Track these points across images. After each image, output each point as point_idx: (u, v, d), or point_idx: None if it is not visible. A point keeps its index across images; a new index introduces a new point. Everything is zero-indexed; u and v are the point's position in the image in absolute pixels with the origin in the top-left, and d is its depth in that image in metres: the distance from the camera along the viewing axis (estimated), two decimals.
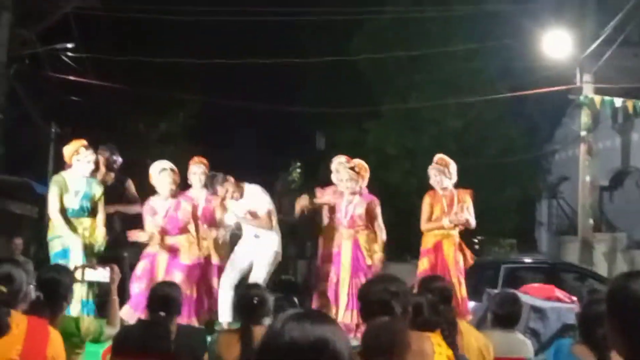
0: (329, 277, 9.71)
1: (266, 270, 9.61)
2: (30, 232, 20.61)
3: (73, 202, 8.95)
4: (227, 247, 10.03)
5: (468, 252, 9.97)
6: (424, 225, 9.99)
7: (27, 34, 21.99)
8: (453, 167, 10.01)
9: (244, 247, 9.72)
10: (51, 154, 24.70)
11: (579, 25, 21.07)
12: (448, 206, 9.81)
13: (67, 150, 9.14)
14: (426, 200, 10.02)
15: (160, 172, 9.42)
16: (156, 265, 9.24)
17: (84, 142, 9.17)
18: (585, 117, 20.83)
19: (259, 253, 9.62)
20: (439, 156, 10.11)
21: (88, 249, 8.87)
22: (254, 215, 9.61)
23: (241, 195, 9.59)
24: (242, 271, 9.64)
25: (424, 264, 9.81)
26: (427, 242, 9.91)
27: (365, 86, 27.80)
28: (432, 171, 9.98)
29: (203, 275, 9.56)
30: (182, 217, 9.36)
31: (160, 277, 9.00)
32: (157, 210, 9.37)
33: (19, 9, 21.95)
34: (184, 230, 9.37)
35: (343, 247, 9.69)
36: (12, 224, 20.35)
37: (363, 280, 9.19)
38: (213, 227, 9.82)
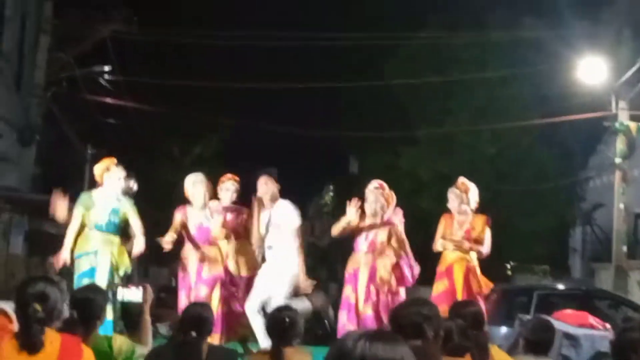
0: (348, 301, 9.58)
1: (285, 289, 9.32)
2: None
3: (102, 218, 9.00)
4: (254, 260, 10.03)
5: (483, 279, 9.87)
6: (434, 246, 10.02)
7: (65, 57, 22.27)
8: (473, 192, 9.95)
9: (265, 264, 9.70)
10: (87, 175, 24.89)
11: (614, 52, 20.99)
12: (457, 231, 9.80)
13: (98, 168, 9.23)
14: (441, 222, 10.00)
15: (194, 184, 9.50)
16: (192, 287, 9.32)
17: (114, 159, 9.27)
18: (620, 144, 20.70)
19: (274, 268, 9.43)
20: (460, 180, 10.07)
21: (115, 268, 8.92)
22: (274, 226, 9.62)
23: (273, 203, 9.56)
24: (265, 291, 9.56)
25: (437, 288, 9.78)
26: (441, 265, 9.89)
27: (400, 111, 27.85)
28: (451, 195, 9.95)
29: (233, 289, 9.60)
30: (213, 229, 9.42)
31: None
32: (190, 219, 9.43)
33: (57, 33, 22.26)
34: (213, 242, 9.43)
35: (360, 272, 9.44)
36: (47, 243, 20.50)
37: (377, 306, 9.19)
38: (238, 240, 9.87)
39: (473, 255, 9.81)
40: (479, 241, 9.82)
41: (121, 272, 9.00)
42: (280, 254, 9.45)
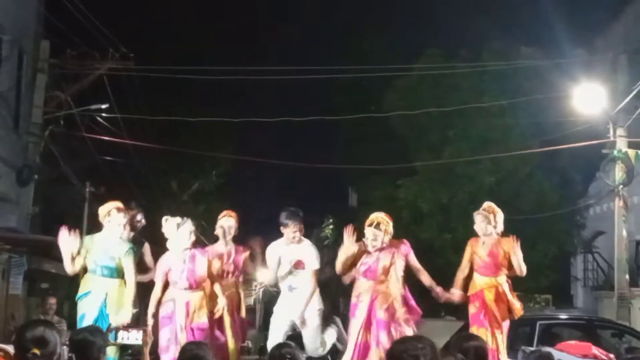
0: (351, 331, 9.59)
1: (319, 331, 9.82)
2: (65, 291, 20.70)
3: (99, 262, 9.02)
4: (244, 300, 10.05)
5: (513, 305, 9.81)
6: (458, 275, 9.95)
7: (63, 95, 22.33)
8: (500, 216, 9.92)
9: (283, 306, 9.70)
10: (85, 213, 24.88)
11: (610, 80, 21.02)
12: (488, 256, 9.74)
13: (101, 211, 9.27)
14: (467, 248, 9.96)
15: (179, 225, 9.34)
16: (177, 327, 9.10)
17: (118, 204, 9.26)
18: (619, 171, 20.67)
19: (298, 308, 9.66)
20: (487, 203, 10.06)
21: (116, 310, 8.87)
22: (297, 265, 9.70)
23: (299, 242, 9.75)
24: (286, 333, 9.64)
25: (470, 310, 9.76)
26: (471, 289, 9.84)
27: (398, 142, 27.86)
28: (478, 217, 9.91)
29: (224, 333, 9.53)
30: (198, 271, 9.26)
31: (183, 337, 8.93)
32: (171, 266, 9.26)
33: (54, 71, 22.33)
34: (198, 285, 9.27)
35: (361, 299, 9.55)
36: (46, 283, 20.47)
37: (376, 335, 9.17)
38: (236, 279, 9.82)
39: (502, 279, 9.76)
40: (504, 264, 9.79)
41: (121, 317, 8.84)
42: (304, 295, 9.67)
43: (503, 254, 9.77)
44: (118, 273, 9.07)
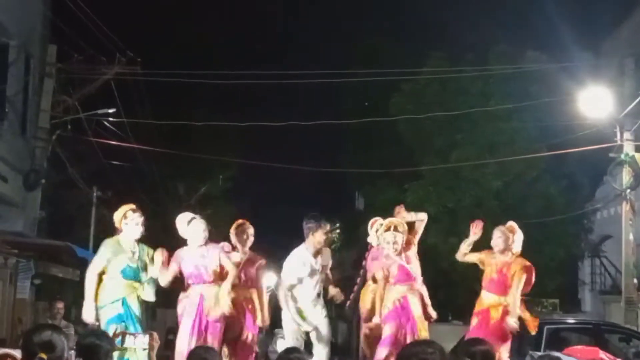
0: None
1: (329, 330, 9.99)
2: (72, 296, 20.72)
3: (131, 264, 9.03)
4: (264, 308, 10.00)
5: (530, 322, 9.77)
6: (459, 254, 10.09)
7: (70, 100, 22.38)
8: (519, 236, 9.87)
9: (318, 312, 9.83)
10: (93, 217, 24.92)
11: (617, 83, 21.02)
12: (497, 273, 9.71)
13: (116, 215, 9.26)
14: (482, 253, 9.95)
15: (190, 222, 9.36)
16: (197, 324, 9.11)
17: (132, 205, 9.27)
18: (626, 175, 20.67)
19: (319, 315, 9.82)
20: (510, 223, 10.03)
21: (144, 313, 8.94)
22: (324, 270, 9.89)
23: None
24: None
25: (472, 323, 9.76)
26: (477, 306, 9.86)
27: (405, 146, 27.84)
28: (497, 232, 9.87)
29: (238, 333, 9.51)
30: (213, 265, 9.20)
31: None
32: (185, 259, 9.22)
33: (61, 76, 22.38)
34: (214, 279, 9.21)
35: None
36: (54, 287, 20.47)
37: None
38: (252, 287, 9.76)
39: (510, 300, 9.70)
40: (509, 284, 9.71)
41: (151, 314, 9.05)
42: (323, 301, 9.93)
43: (512, 274, 9.70)
44: (144, 274, 9.10)
